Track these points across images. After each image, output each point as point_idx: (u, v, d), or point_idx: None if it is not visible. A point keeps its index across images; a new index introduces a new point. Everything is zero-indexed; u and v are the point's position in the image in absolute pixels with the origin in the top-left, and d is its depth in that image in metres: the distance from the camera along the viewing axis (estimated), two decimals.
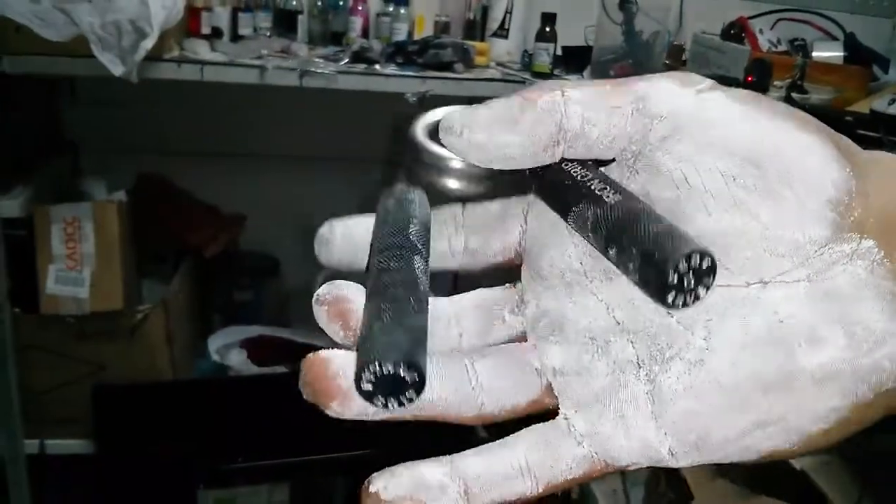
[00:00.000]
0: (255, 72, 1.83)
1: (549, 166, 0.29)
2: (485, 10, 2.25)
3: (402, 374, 0.25)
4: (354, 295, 0.29)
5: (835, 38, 1.99)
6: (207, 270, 2.22)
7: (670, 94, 0.27)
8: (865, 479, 1.24)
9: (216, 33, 1.99)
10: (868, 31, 2.04)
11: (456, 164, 0.34)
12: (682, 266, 0.24)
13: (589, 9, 2.04)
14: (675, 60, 2.10)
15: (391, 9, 2.19)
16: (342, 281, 0.30)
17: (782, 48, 1.92)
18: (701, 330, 0.27)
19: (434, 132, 0.35)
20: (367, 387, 0.25)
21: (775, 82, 1.76)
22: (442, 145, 0.31)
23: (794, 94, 1.73)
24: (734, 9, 2.08)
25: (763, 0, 2.13)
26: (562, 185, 0.29)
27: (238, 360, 2.04)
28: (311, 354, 0.28)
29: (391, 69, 1.96)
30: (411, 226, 0.31)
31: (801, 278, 0.26)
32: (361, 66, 1.95)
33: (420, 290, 0.28)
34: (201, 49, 1.87)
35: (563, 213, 0.29)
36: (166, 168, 2.25)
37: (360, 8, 2.18)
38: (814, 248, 0.25)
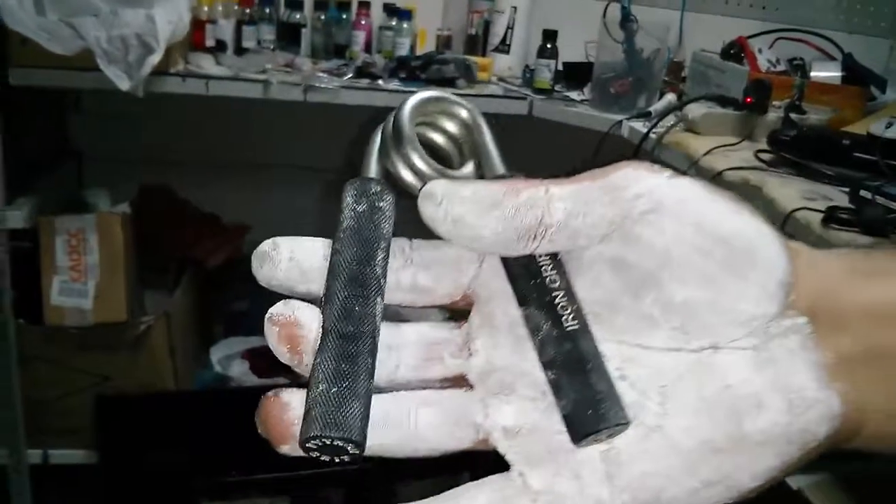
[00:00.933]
0: (260, 86, 1.85)
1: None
2: (486, 25, 2.27)
3: (346, 447, 0.27)
4: (307, 320, 0.29)
5: (833, 58, 2.01)
6: (210, 281, 2.24)
7: (645, 178, 0.29)
8: (862, 499, 1.25)
9: (220, 46, 2.01)
10: (866, 52, 2.05)
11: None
12: (603, 436, 0.28)
13: (589, 23, 2.06)
14: (675, 77, 2.12)
15: (394, 23, 2.21)
16: (297, 302, 0.30)
17: (781, 68, 1.93)
18: (656, 395, 0.29)
19: (419, 122, 0.34)
20: (311, 446, 0.27)
21: (774, 102, 1.77)
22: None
23: (792, 115, 1.74)
24: (733, 27, 2.10)
25: (762, 19, 2.15)
26: (528, 278, 0.30)
27: (240, 371, 2.05)
28: (271, 393, 0.30)
29: (394, 84, 1.98)
30: (379, 252, 0.31)
31: (748, 346, 0.29)
32: (365, 81, 1.97)
33: (376, 347, 0.29)
34: (206, 63, 1.89)
35: (520, 301, 0.30)
36: (169, 178, 2.26)
37: (363, 22, 2.20)
38: (763, 321, 0.28)
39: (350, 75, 1.97)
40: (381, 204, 0.32)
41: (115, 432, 1.85)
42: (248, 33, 2.09)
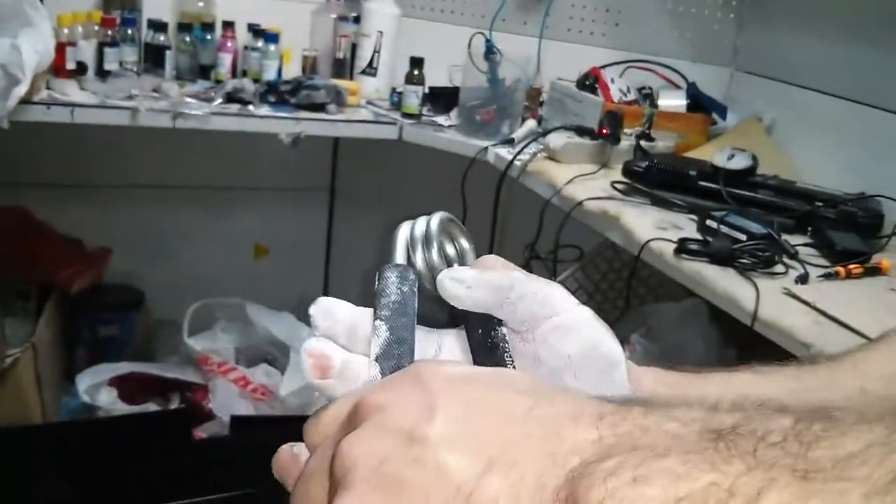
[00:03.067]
0: (127, 113, 1.83)
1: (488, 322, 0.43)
2: (353, 48, 2.31)
3: None
4: (334, 352, 0.41)
5: (678, 87, 2.16)
6: (72, 306, 2.19)
7: (560, 301, 0.42)
8: None
9: (81, 69, 1.96)
10: (708, 79, 2.21)
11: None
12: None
13: (453, 47, 2.14)
14: (534, 103, 2.22)
15: (260, 44, 2.21)
16: (326, 341, 0.41)
17: (631, 97, 2.07)
18: None
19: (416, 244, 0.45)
20: None
21: (626, 130, 1.90)
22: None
23: (643, 142, 1.88)
24: (587, 55, 2.22)
25: (613, 48, 2.28)
26: (490, 352, 0.43)
27: (108, 400, 2.02)
28: (287, 447, 0.39)
29: (265, 110, 2.00)
30: (413, 321, 0.42)
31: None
32: (235, 107, 1.97)
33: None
34: (70, 89, 1.86)
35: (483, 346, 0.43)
36: (26, 200, 2.19)
37: (228, 44, 2.20)
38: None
39: (219, 101, 1.97)
40: (416, 288, 0.43)
41: None
42: (111, 55, 2.04)
